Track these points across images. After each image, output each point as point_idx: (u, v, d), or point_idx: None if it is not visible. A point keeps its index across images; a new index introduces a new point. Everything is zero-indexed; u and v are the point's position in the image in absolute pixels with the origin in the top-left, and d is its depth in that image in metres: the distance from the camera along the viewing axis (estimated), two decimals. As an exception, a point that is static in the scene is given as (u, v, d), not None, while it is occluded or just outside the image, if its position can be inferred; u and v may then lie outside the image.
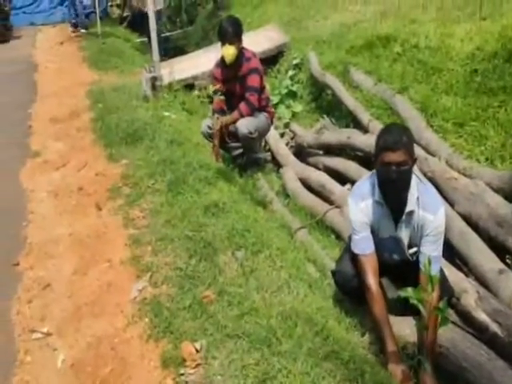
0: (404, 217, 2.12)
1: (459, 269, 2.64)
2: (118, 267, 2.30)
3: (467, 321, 2.36)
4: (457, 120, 3.50)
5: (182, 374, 1.64)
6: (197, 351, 1.71)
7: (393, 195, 2.08)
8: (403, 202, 2.09)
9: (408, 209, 2.09)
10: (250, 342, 1.72)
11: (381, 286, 2.21)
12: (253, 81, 3.59)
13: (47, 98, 5.36)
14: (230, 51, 3.53)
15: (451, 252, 2.70)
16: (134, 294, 2.09)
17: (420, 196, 2.08)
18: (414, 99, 3.88)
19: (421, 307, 1.71)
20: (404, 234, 2.17)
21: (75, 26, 8.65)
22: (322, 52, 5.46)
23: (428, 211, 2.07)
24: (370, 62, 4.68)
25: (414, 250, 2.19)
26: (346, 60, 4.93)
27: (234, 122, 3.64)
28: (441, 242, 2.12)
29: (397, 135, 1.98)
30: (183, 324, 1.85)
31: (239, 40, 3.56)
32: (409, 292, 1.68)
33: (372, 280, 2.09)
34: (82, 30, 8.63)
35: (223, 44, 3.54)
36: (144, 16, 7.23)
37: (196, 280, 2.12)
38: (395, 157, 1.95)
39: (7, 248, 2.61)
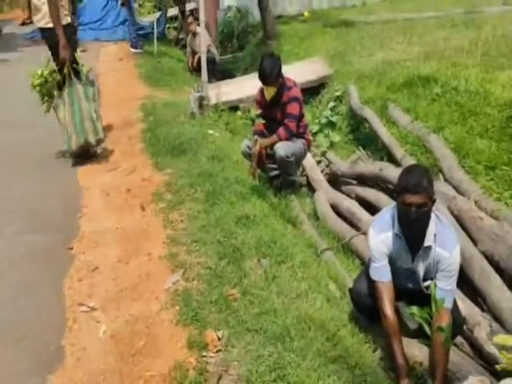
0: (421, 251, 2.23)
1: (478, 305, 2.73)
2: (156, 261, 2.55)
3: (478, 353, 2.45)
4: (489, 163, 3.56)
5: (204, 356, 1.85)
6: (219, 339, 1.92)
7: (411, 232, 2.20)
8: (421, 238, 2.20)
9: (425, 244, 2.20)
10: (265, 337, 1.91)
11: (396, 310, 2.33)
12: (292, 109, 3.78)
13: (105, 107, 5.73)
14: (270, 92, 3.77)
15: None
16: (168, 284, 2.32)
17: (437, 233, 2.19)
18: (448, 139, 3.96)
19: (425, 326, 1.84)
20: (420, 267, 2.28)
21: (134, 46, 9.32)
22: (363, 87, 5.61)
23: (444, 248, 2.17)
24: (408, 100, 4.78)
25: (429, 283, 2.28)
26: (385, 96, 5.06)
27: (272, 144, 3.85)
28: (455, 277, 2.21)
29: (418, 178, 2.09)
30: (209, 315, 2.07)
31: (278, 79, 3.75)
32: (414, 310, 1.81)
33: (388, 307, 2.19)
34: (139, 50, 9.25)
35: (264, 85, 3.78)
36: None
37: (223, 279, 2.33)
38: (415, 199, 2.06)
39: (64, 234, 2.93)
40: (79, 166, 4.05)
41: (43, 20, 3.81)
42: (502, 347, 1.68)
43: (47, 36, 3.84)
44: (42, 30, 3.89)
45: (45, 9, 3.74)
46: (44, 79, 3.98)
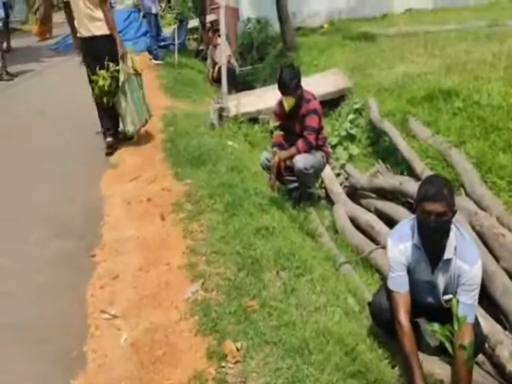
0: (441, 264, 2.21)
1: (500, 323, 2.68)
2: (175, 270, 2.58)
3: (500, 372, 2.40)
4: (512, 179, 3.53)
5: (223, 367, 1.87)
6: (237, 350, 1.93)
7: (431, 243, 2.18)
8: (441, 250, 2.18)
9: (445, 257, 2.18)
10: (284, 349, 1.92)
11: (415, 326, 2.31)
12: (311, 121, 3.79)
13: (127, 117, 5.90)
14: (288, 102, 3.78)
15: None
16: (187, 294, 2.34)
17: (458, 246, 2.17)
18: (470, 154, 3.92)
19: (447, 344, 1.82)
20: (440, 280, 2.25)
21: (155, 58, 9.54)
22: (383, 99, 5.59)
23: (465, 262, 2.15)
24: (429, 114, 4.75)
25: (449, 296, 2.26)
26: (405, 109, 5.04)
27: (291, 157, 3.85)
28: (476, 292, 2.18)
29: (438, 187, 2.09)
30: (227, 326, 2.08)
31: (297, 90, 3.77)
32: (435, 327, 1.79)
33: (403, 317, 2.18)
34: (159, 61, 9.44)
35: (283, 95, 3.80)
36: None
37: (242, 291, 2.34)
38: (435, 207, 2.05)
39: (86, 242, 3.01)
40: (101, 174, 4.15)
41: (103, 28, 4.39)
42: None
43: (104, 42, 4.41)
44: (99, 37, 4.41)
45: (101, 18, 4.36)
46: (108, 79, 4.47)
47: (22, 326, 2.30)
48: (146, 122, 4.96)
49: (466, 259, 2.16)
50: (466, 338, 1.98)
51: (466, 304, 2.13)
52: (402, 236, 2.29)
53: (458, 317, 1.83)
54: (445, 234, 2.15)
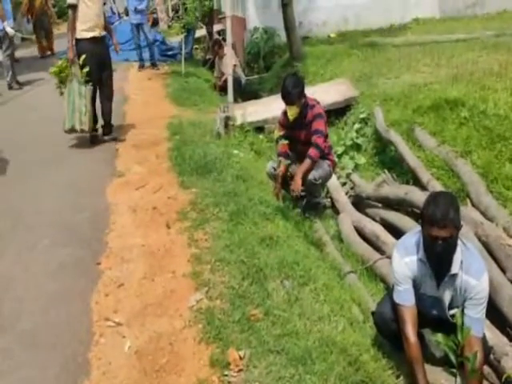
0: (447, 278, 2.20)
1: (506, 335, 2.65)
2: (180, 279, 2.60)
3: (506, 384, 2.38)
4: (518, 189, 3.50)
5: (226, 375, 1.87)
6: (241, 358, 1.94)
7: (437, 261, 2.17)
8: (447, 265, 2.17)
9: (452, 272, 2.17)
10: (287, 358, 1.92)
11: (420, 336, 2.29)
12: (318, 125, 3.81)
13: (133, 126, 5.93)
14: (292, 111, 3.80)
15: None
16: (191, 302, 2.36)
17: (464, 260, 2.16)
18: (476, 164, 3.90)
19: (451, 354, 1.80)
20: (446, 295, 2.24)
21: (141, 66, 9.77)
22: (389, 109, 5.57)
23: (471, 276, 2.14)
24: (435, 124, 4.72)
25: (455, 311, 2.23)
26: (411, 119, 5.03)
27: (309, 170, 3.80)
28: (484, 305, 2.17)
29: (444, 209, 2.03)
30: (231, 334, 2.09)
31: (301, 98, 3.78)
32: (439, 337, 1.78)
33: (410, 330, 2.16)
34: (142, 68, 9.74)
35: (286, 104, 3.82)
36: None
37: (246, 299, 2.35)
38: (442, 233, 2.03)
39: (92, 249, 3.04)
40: (108, 182, 4.19)
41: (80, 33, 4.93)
42: None
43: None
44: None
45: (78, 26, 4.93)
46: (58, 69, 5.12)
47: (29, 332, 2.32)
48: (75, 130, 5.10)
49: (472, 273, 2.14)
50: (472, 351, 1.97)
51: (474, 318, 2.12)
52: (407, 249, 2.28)
53: (463, 328, 1.82)
54: (450, 253, 2.14)
